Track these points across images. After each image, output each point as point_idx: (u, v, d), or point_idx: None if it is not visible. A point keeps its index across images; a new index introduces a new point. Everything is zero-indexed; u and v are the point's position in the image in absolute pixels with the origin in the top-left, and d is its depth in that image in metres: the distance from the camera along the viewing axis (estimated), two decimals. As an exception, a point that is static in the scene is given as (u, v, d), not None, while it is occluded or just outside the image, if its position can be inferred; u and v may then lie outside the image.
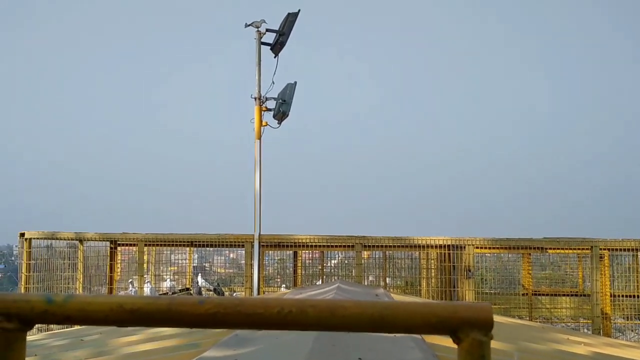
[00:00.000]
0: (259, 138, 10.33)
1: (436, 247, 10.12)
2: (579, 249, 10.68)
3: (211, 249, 12.01)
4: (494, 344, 1.04)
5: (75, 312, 0.99)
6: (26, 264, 10.47)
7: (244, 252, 10.46)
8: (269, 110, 10.35)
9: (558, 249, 10.63)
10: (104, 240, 11.05)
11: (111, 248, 11.03)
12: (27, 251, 10.47)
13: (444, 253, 10.08)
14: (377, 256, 11.84)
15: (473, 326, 0.96)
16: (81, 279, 10.75)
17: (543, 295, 12.03)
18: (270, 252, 11.14)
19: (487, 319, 0.97)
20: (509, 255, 12.14)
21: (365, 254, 10.86)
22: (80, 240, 10.77)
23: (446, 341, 3.16)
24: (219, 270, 15.84)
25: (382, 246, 10.38)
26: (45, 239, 10.78)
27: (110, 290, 10.99)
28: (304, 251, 11.94)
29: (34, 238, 10.61)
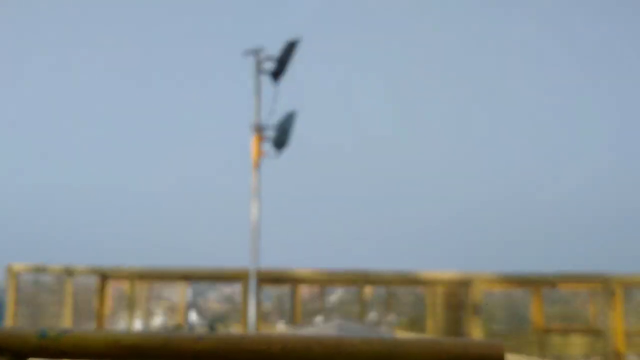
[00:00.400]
0: (257, 167, 10.01)
1: (442, 283, 9.71)
2: (591, 283, 10.30)
3: (205, 283, 11.62)
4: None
5: (70, 347, 0.96)
6: (13, 297, 10.04)
7: (240, 287, 10.04)
8: (268, 139, 10.05)
9: (570, 283, 10.25)
10: (93, 274, 10.60)
11: (101, 282, 10.58)
12: (14, 284, 10.05)
13: (451, 289, 9.68)
14: (379, 292, 11.42)
15: None
16: (70, 314, 10.29)
17: (554, 332, 11.58)
18: (267, 287, 10.72)
19: (498, 357, 0.95)
20: (518, 291, 11.74)
21: (367, 289, 10.45)
22: (69, 274, 10.33)
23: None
24: (213, 306, 15.36)
25: (385, 281, 9.98)
26: (33, 271, 10.37)
27: (100, 326, 10.50)
28: (303, 286, 11.51)
29: (22, 271, 10.20)
